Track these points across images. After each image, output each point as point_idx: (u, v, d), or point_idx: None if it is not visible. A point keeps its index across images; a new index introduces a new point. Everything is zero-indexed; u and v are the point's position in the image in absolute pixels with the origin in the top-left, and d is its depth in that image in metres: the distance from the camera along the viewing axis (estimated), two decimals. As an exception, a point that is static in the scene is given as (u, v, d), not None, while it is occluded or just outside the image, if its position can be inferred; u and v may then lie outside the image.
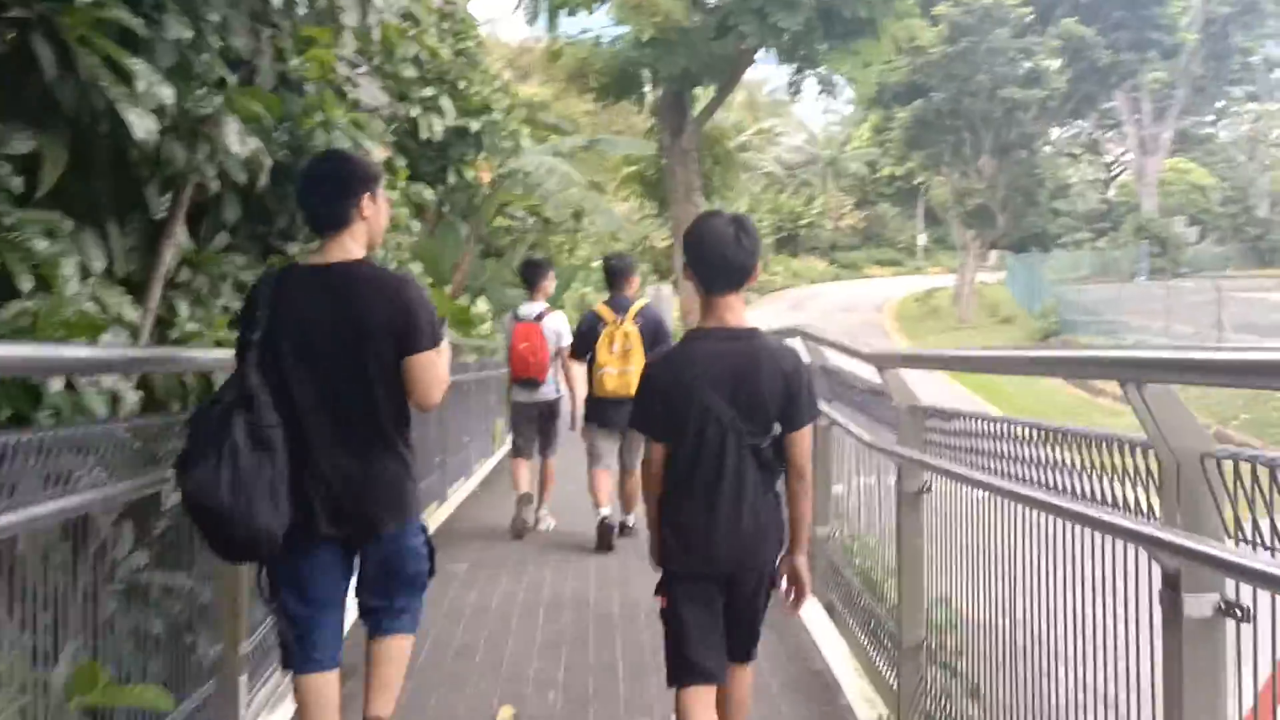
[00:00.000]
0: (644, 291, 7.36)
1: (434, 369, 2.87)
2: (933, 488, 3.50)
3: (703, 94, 18.81)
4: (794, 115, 56.55)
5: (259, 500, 2.63)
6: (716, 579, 2.84)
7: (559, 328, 6.96)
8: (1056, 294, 31.94)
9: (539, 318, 6.90)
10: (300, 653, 2.92)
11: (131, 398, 3.06)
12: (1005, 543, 2.84)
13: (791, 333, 5.19)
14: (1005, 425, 2.73)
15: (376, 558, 2.96)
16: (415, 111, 7.37)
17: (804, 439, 2.88)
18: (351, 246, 2.85)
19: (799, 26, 15.90)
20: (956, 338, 29.48)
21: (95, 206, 3.20)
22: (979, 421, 3.02)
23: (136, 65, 2.61)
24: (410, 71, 6.95)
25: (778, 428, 2.85)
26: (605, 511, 6.58)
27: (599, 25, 18.06)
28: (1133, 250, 39.28)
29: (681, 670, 2.84)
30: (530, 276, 7.09)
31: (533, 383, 6.96)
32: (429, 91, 7.59)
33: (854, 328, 28.59)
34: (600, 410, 6.47)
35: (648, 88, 17.96)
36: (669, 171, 17.89)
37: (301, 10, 4.24)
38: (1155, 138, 42.09)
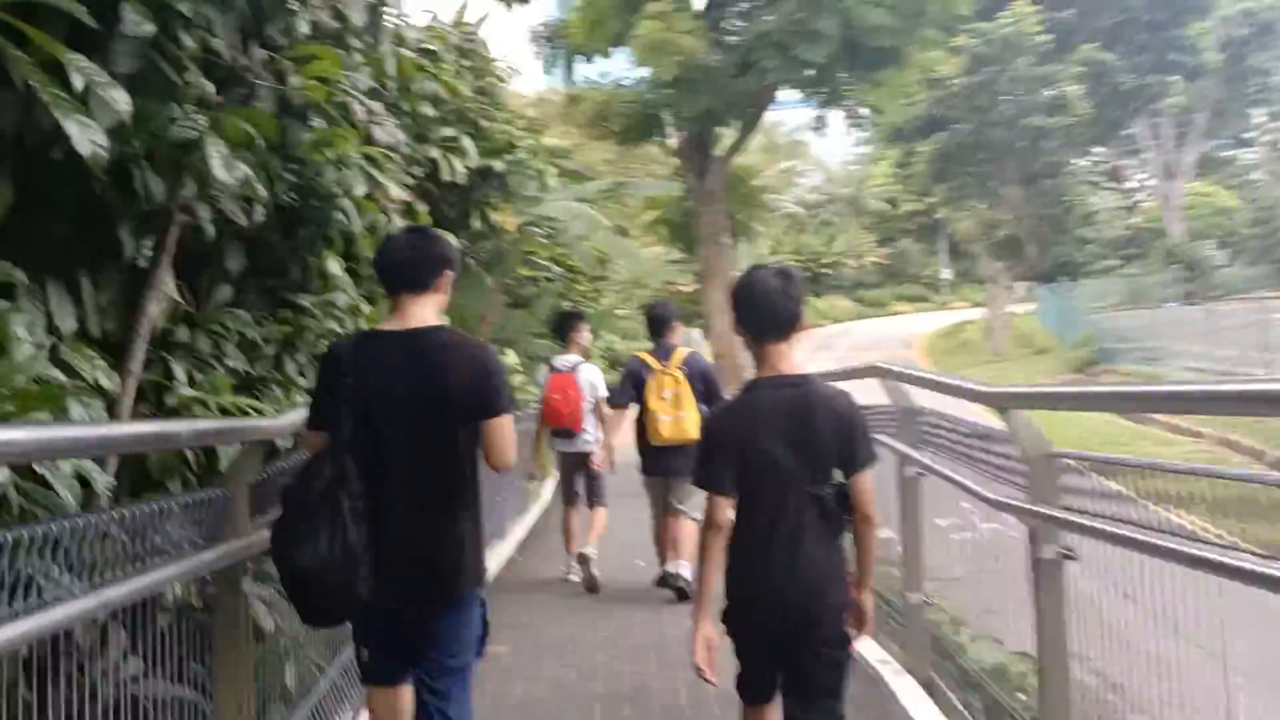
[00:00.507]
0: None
1: (511, 432, 2.98)
2: (1079, 554, 2.89)
3: (726, 133, 18.40)
4: (812, 155, 56.32)
5: (361, 571, 2.71)
6: (779, 631, 2.84)
7: (594, 379, 6.98)
8: (1092, 322, 31.16)
9: (574, 369, 6.92)
10: (370, 670, 3.02)
11: (102, 481, 2.51)
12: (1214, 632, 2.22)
13: (868, 371, 4.61)
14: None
15: (437, 628, 2.94)
16: (434, 153, 6.88)
17: (867, 484, 2.90)
18: (428, 313, 2.93)
19: (822, 59, 15.45)
20: (992, 371, 28.70)
21: (61, 254, 2.66)
22: (1153, 473, 2.42)
23: (76, 61, 2.05)
24: (428, 110, 6.46)
25: (839, 475, 2.87)
26: (671, 569, 6.40)
27: (618, 69, 17.66)
28: (1162, 275, 38.50)
29: (746, 692, 2.98)
30: (563, 328, 7.17)
31: (568, 433, 6.95)
32: (449, 132, 7.10)
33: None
34: (656, 459, 6.38)
35: (670, 129, 17.53)
36: (695, 213, 17.40)
37: (304, 29, 3.75)
38: (1178, 162, 41.44)
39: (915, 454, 4.33)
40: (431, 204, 6.99)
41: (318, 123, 4.21)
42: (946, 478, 3.85)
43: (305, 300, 4.82)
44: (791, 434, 2.80)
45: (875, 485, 2.93)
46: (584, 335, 7.17)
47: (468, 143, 7.14)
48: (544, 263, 15.99)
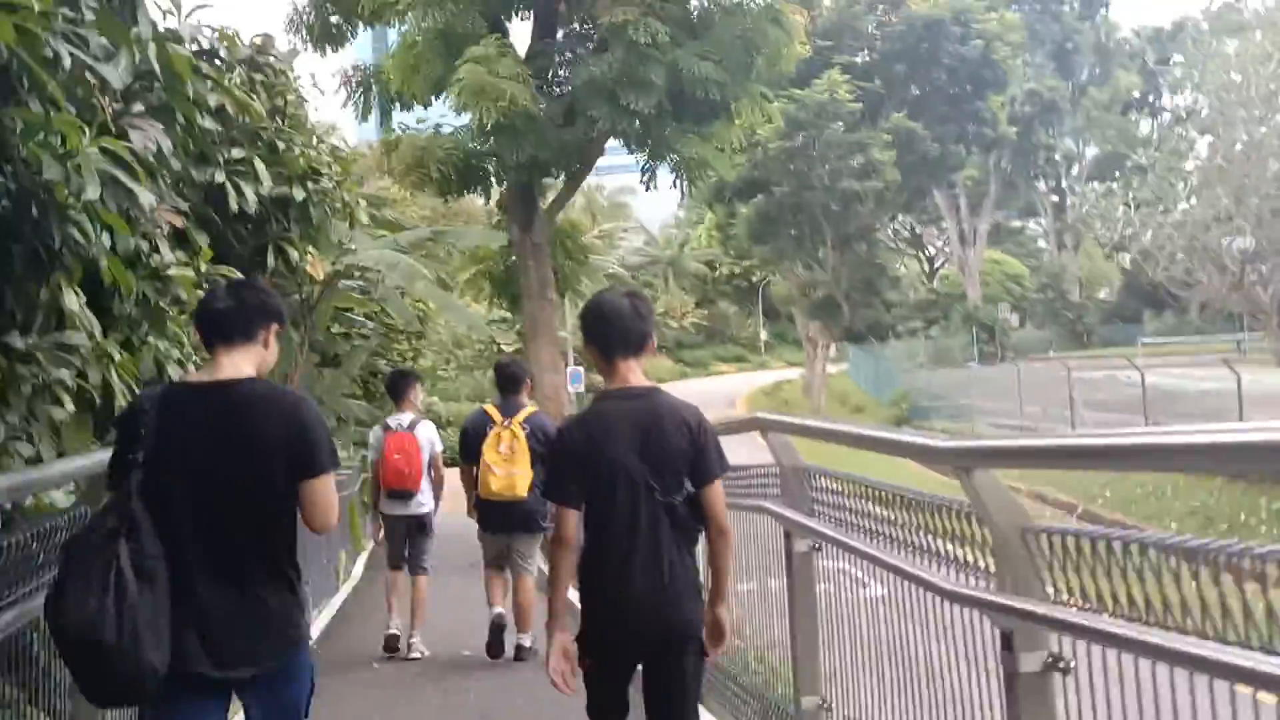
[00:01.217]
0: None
1: (333, 492, 2.81)
2: (1073, 663, 2.16)
3: (553, 186, 17.70)
4: (634, 217, 56.85)
5: (145, 636, 2.44)
6: (637, 644, 2.89)
7: (431, 435, 6.95)
8: (905, 381, 32.19)
9: (411, 426, 6.81)
10: None
11: None
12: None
13: (750, 424, 3.87)
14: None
15: (257, 699, 2.73)
16: (220, 176, 5.79)
17: (717, 494, 2.94)
18: (244, 365, 2.76)
19: (650, 109, 15.05)
20: (816, 430, 28.98)
21: None
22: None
23: None
24: (209, 124, 5.39)
25: (690, 486, 2.89)
26: (499, 610, 6.37)
27: (438, 115, 16.69)
28: (963, 337, 40.59)
29: (601, 714, 2.98)
30: (396, 388, 7.07)
31: (406, 494, 6.80)
32: (238, 153, 6.03)
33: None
34: (488, 513, 6.32)
35: (493, 180, 16.67)
36: (520, 267, 16.55)
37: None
38: (973, 230, 44.04)
39: (810, 523, 3.57)
40: (216, 236, 5.88)
41: (32, 103, 3.16)
42: (871, 558, 3.06)
43: (23, 342, 3.69)
44: (643, 443, 2.84)
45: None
46: (417, 394, 7.13)
47: (261, 166, 6.08)
48: (358, 318, 14.79)
